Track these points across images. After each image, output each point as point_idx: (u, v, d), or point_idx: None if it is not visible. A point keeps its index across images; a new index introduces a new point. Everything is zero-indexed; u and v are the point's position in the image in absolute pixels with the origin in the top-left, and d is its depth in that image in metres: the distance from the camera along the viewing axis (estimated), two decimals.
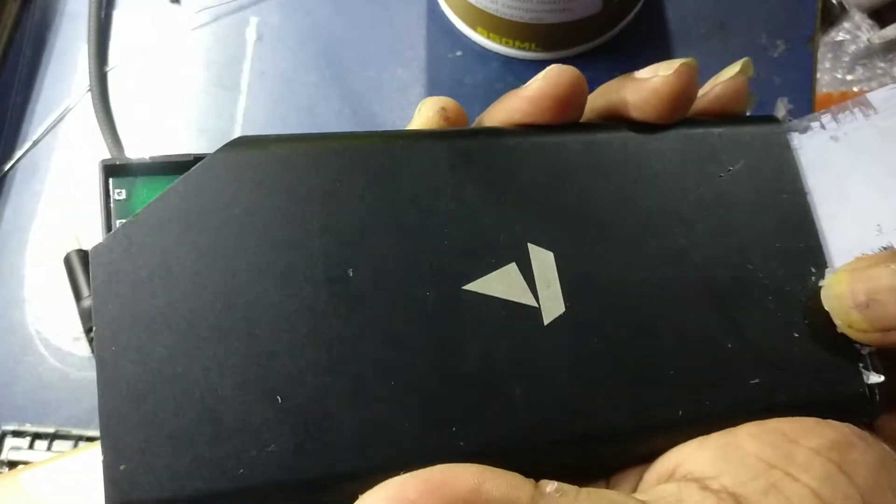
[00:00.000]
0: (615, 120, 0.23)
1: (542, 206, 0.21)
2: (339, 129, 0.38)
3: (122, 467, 0.17)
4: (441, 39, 0.39)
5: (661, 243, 0.21)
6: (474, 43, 0.39)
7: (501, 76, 0.39)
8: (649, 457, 0.20)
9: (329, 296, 0.19)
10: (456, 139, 0.22)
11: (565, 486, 0.18)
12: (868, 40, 0.93)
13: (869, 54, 0.94)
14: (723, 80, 0.24)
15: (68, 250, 0.35)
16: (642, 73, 0.22)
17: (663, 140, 0.22)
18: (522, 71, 0.38)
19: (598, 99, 0.23)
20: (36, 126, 0.39)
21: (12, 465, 0.33)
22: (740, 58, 0.38)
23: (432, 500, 0.17)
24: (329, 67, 0.39)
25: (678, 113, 0.22)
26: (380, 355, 0.19)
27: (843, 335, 0.21)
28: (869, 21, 0.92)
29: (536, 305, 0.20)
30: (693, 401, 0.20)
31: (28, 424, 0.34)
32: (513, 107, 0.22)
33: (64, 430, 0.34)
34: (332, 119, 0.38)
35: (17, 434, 0.34)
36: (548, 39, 0.37)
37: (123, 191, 0.21)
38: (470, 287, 0.20)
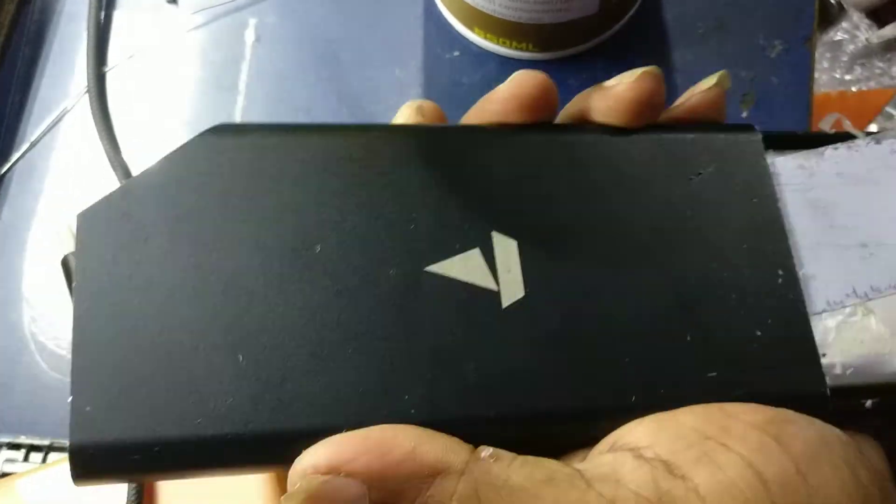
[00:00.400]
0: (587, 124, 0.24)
1: (509, 198, 0.22)
2: None
3: (87, 409, 0.19)
4: (438, 40, 0.39)
5: (625, 238, 0.22)
6: (472, 43, 0.39)
7: (499, 76, 0.38)
8: (598, 440, 0.21)
9: (295, 267, 0.20)
10: (429, 132, 0.23)
11: (501, 451, 0.19)
12: (866, 40, 0.93)
13: (867, 54, 0.94)
14: (699, 92, 0.24)
15: (66, 252, 0.35)
16: (609, 82, 0.23)
17: (633, 142, 0.23)
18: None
19: (571, 106, 0.24)
20: (34, 126, 0.39)
21: (7, 477, 0.33)
22: (738, 58, 0.39)
23: (367, 459, 0.18)
24: (327, 68, 0.39)
25: (641, 118, 0.23)
26: (340, 324, 0.20)
27: (806, 335, 0.21)
28: (867, 21, 0.93)
29: (496, 289, 0.21)
30: (646, 388, 0.20)
31: (23, 437, 0.34)
32: (486, 108, 0.23)
33: (59, 442, 0.34)
34: (329, 119, 0.38)
35: (12, 446, 0.34)
36: (545, 39, 0.37)
37: None
38: (432, 268, 0.21)
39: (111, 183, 0.37)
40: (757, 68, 0.38)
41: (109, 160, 0.37)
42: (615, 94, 0.23)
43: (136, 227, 0.20)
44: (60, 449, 0.33)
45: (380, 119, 0.38)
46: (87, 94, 0.38)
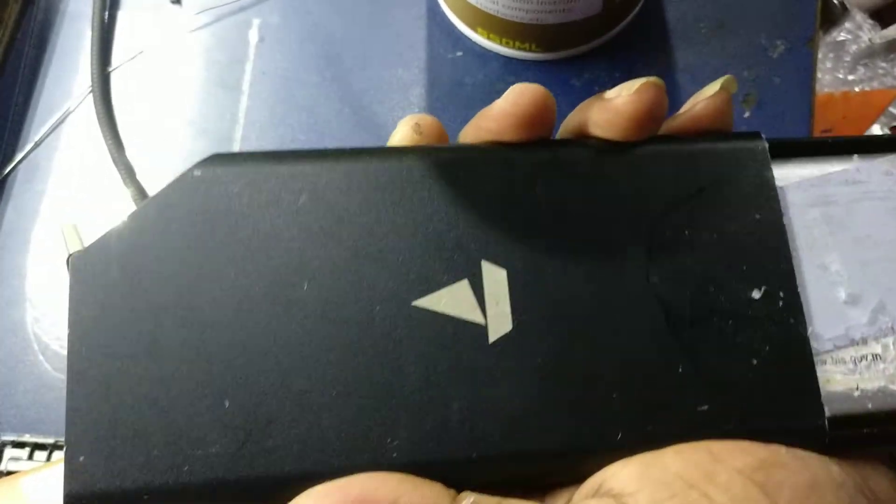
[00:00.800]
0: (585, 139, 0.23)
1: (500, 222, 0.21)
2: (340, 130, 0.38)
3: (80, 458, 0.19)
4: (441, 40, 0.39)
5: (618, 263, 0.21)
6: (474, 43, 0.39)
7: (501, 76, 0.39)
8: (586, 477, 0.20)
9: (281, 307, 0.20)
10: (419, 155, 0.22)
11: (483, 498, 0.19)
12: (869, 40, 0.93)
13: (870, 54, 0.94)
14: (703, 98, 0.23)
15: (71, 251, 0.35)
16: (609, 94, 0.22)
17: (630, 157, 0.22)
18: (522, 71, 0.39)
19: (571, 119, 0.23)
20: (38, 126, 0.39)
21: (11, 475, 0.33)
22: (741, 58, 0.39)
23: None
24: (330, 68, 0.39)
25: (643, 131, 0.22)
26: (326, 365, 0.20)
27: (806, 363, 0.20)
28: (870, 21, 0.92)
29: (483, 323, 0.20)
30: (635, 425, 0.20)
31: (27, 435, 0.34)
32: (481, 125, 0.23)
33: (63, 440, 0.34)
34: (332, 119, 0.38)
35: (16, 444, 0.34)
36: (548, 40, 0.37)
37: None
38: (419, 303, 0.21)
39: (115, 183, 0.37)
40: (759, 68, 0.38)
41: (113, 160, 0.37)
42: (615, 108, 0.22)
43: (129, 269, 0.20)
44: (64, 447, 0.34)
45: (382, 119, 0.38)
46: (90, 94, 0.38)
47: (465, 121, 0.24)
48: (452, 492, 0.19)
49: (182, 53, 0.40)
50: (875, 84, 0.94)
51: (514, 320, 0.20)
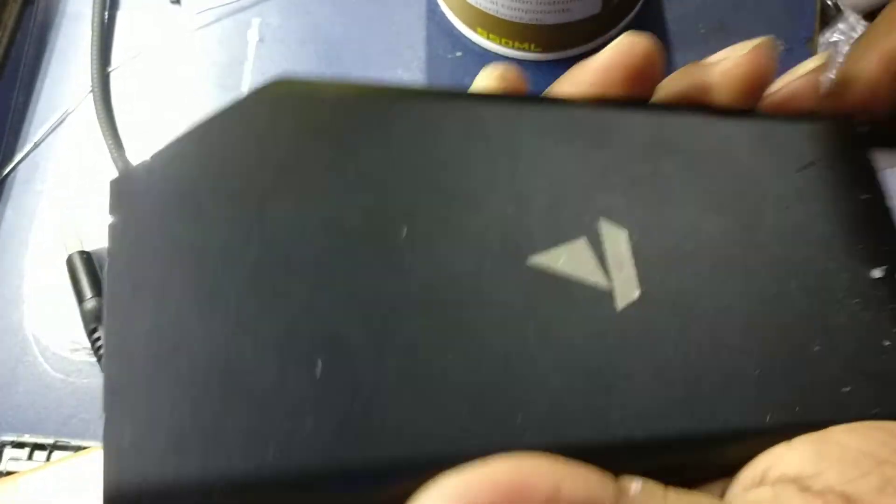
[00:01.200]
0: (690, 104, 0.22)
1: (617, 181, 0.19)
2: None
3: (126, 440, 0.14)
4: (441, 40, 0.39)
5: (741, 233, 0.20)
6: (474, 44, 0.39)
7: None
8: (731, 468, 0.18)
9: (379, 256, 0.17)
10: (529, 105, 0.20)
11: (650, 484, 0.16)
12: None
13: None
14: (801, 75, 0.22)
15: (70, 252, 0.35)
16: (713, 57, 0.21)
17: (739, 128, 0.21)
18: (522, 71, 0.39)
19: (671, 84, 0.22)
20: (38, 127, 0.39)
21: (11, 475, 0.33)
22: None
23: None
24: (330, 68, 0.39)
25: (753, 95, 0.21)
26: (435, 326, 0.16)
27: None
28: (864, 22, 0.93)
29: (609, 288, 0.18)
30: (781, 406, 0.18)
31: (27, 435, 0.34)
32: (580, 79, 0.21)
33: (63, 440, 0.34)
34: None
35: (16, 445, 0.34)
36: (547, 40, 0.37)
37: None
38: (535, 261, 0.18)
39: None
40: None
41: (113, 160, 0.37)
42: (724, 70, 0.21)
43: (184, 197, 0.16)
44: (64, 448, 0.33)
45: None
46: (90, 95, 0.38)
47: None
48: (611, 476, 0.16)
49: (182, 53, 0.40)
50: None
51: (640, 285, 0.18)
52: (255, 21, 0.40)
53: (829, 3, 0.92)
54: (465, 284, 0.17)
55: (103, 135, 0.37)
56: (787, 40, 0.39)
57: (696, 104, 0.21)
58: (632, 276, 0.18)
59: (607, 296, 0.18)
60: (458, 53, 0.39)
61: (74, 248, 0.35)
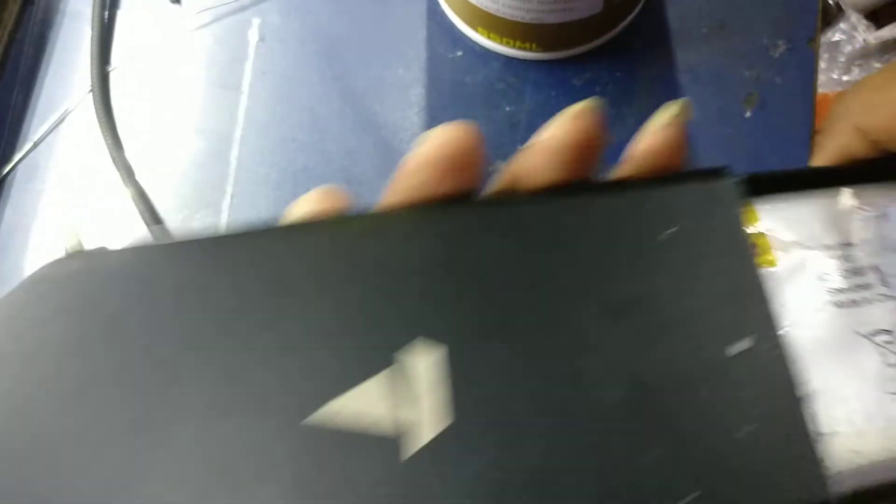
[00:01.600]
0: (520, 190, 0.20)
1: (433, 295, 0.18)
2: (340, 129, 0.38)
3: None
4: (442, 39, 0.39)
5: (573, 331, 0.18)
6: (475, 43, 0.39)
7: (502, 76, 0.39)
8: None
9: (129, 438, 0.16)
10: (319, 233, 0.18)
11: None
12: (864, 41, 0.93)
13: (865, 55, 0.94)
14: (653, 132, 0.20)
15: (69, 252, 0.35)
16: (537, 137, 0.20)
17: (580, 207, 0.19)
18: (523, 71, 0.39)
19: (504, 172, 0.20)
20: (37, 126, 0.39)
21: None
22: (742, 58, 0.39)
23: None
24: (330, 67, 0.39)
25: (577, 170, 0.19)
26: None
27: (803, 426, 0.17)
28: (865, 21, 0.93)
29: (416, 418, 0.17)
30: None
31: None
32: (401, 183, 0.19)
33: None
34: (332, 119, 0.38)
35: None
36: (548, 39, 0.37)
37: None
38: (311, 421, 0.16)
39: (114, 183, 0.37)
40: (760, 68, 0.38)
41: (113, 160, 0.37)
42: (545, 147, 0.19)
43: None
44: None
45: (383, 119, 0.38)
46: (90, 94, 0.38)
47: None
48: None
49: (182, 53, 0.40)
50: None
51: (456, 410, 0.17)
52: (256, 20, 0.40)
53: (831, 2, 0.92)
54: (232, 457, 0.16)
55: (103, 134, 0.37)
56: (789, 39, 0.39)
57: (528, 190, 0.20)
58: (445, 399, 0.17)
59: (406, 435, 0.16)
60: (459, 53, 0.39)
61: (74, 247, 0.35)
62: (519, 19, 0.35)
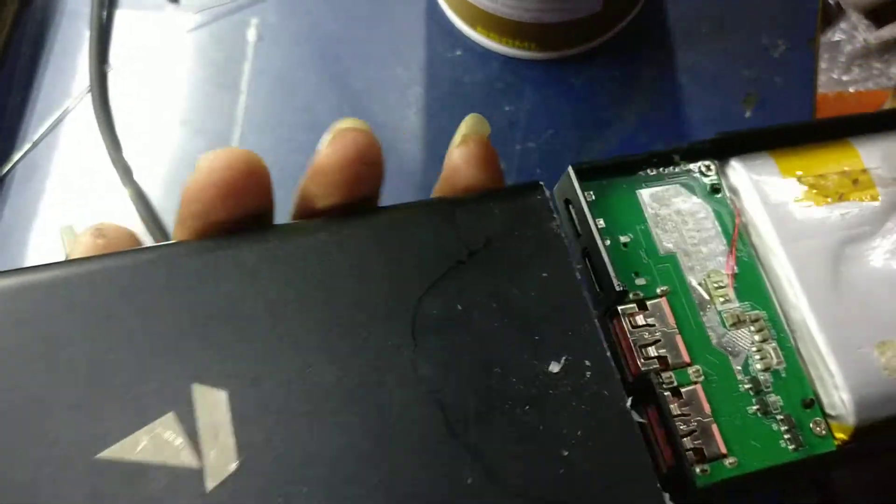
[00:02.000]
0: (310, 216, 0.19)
1: (214, 335, 0.17)
2: None
3: None
4: (441, 39, 0.39)
5: (376, 360, 0.17)
6: (474, 42, 0.39)
7: (501, 76, 0.39)
8: None
9: None
10: (92, 272, 0.17)
11: None
12: (865, 40, 0.93)
13: (865, 54, 0.94)
14: (451, 153, 0.20)
15: (69, 251, 0.35)
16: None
17: (373, 229, 0.18)
18: (522, 70, 0.38)
19: (296, 196, 0.20)
20: (36, 126, 0.38)
21: None
22: (741, 57, 0.39)
23: None
24: (328, 67, 0.39)
25: (359, 186, 0.19)
26: None
27: (632, 441, 0.17)
28: (865, 21, 0.93)
29: (198, 466, 0.16)
30: None
31: None
32: (184, 212, 0.18)
33: None
34: (331, 118, 0.38)
35: None
36: (548, 39, 0.37)
37: (592, 192, 0.21)
38: (105, 455, 0.16)
39: (113, 183, 0.37)
40: (760, 68, 0.38)
41: (111, 160, 0.37)
42: (319, 170, 0.18)
43: None
44: None
45: (381, 119, 0.38)
46: (88, 94, 0.38)
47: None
48: None
49: (180, 53, 0.40)
50: (870, 84, 0.95)
51: (239, 455, 0.16)
52: (254, 20, 0.40)
53: (831, 2, 0.91)
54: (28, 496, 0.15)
55: (101, 134, 0.37)
56: (789, 39, 0.39)
57: (315, 211, 0.19)
58: (229, 446, 0.16)
59: (196, 476, 0.16)
60: (458, 52, 0.39)
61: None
62: (518, 18, 0.35)
